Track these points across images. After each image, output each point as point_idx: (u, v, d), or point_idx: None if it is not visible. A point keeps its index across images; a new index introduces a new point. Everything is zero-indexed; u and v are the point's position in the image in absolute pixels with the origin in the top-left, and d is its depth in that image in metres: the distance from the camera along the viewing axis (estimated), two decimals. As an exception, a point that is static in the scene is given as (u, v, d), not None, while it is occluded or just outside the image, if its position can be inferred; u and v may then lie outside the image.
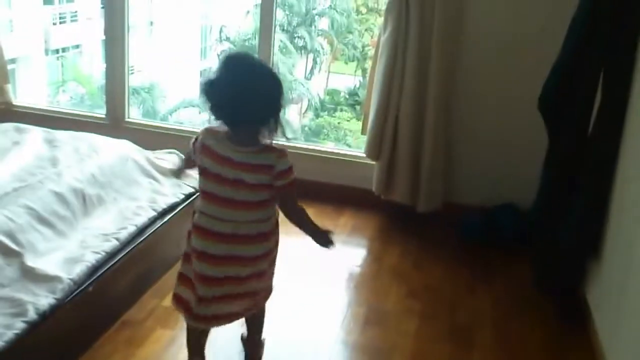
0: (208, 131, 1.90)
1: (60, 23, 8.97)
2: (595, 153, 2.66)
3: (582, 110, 2.69)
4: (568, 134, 2.76)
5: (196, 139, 1.92)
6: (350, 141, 9.83)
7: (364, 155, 3.50)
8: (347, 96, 10.97)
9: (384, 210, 3.54)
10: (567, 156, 2.77)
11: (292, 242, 3.21)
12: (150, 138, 3.26)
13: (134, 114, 4.06)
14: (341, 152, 3.82)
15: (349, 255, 3.21)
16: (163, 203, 2.54)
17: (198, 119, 9.10)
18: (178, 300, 1.99)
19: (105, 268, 2.15)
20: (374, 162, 3.45)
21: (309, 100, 10.33)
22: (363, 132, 3.54)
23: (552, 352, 2.51)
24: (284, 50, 8.77)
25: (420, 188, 3.36)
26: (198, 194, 2.00)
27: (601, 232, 2.63)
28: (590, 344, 2.51)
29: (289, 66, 9.40)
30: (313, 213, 3.44)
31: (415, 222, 3.45)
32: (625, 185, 2.45)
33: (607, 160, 2.62)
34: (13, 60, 7.99)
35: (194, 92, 9.89)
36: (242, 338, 2.30)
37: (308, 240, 3.20)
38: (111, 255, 2.20)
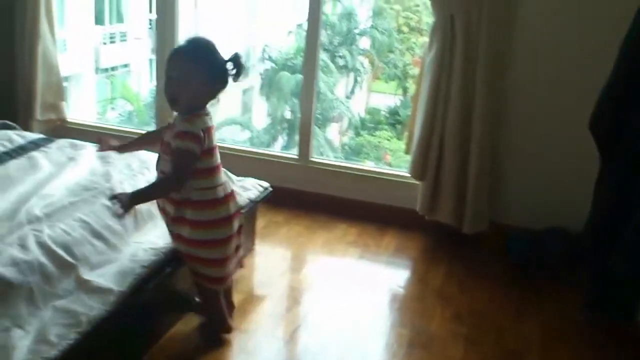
0: (196, 116, 2.12)
1: (110, 43, 9.22)
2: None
3: (637, 132, 2.63)
4: (622, 157, 2.69)
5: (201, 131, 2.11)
6: (390, 160, 9.82)
7: (408, 174, 3.49)
8: (388, 115, 10.97)
9: (429, 230, 3.52)
10: (620, 179, 2.71)
11: (335, 263, 3.23)
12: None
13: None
14: (384, 171, 3.82)
15: (393, 276, 3.19)
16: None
17: (240, 136, 9.22)
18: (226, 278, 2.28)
19: (155, 281, 2.18)
20: (418, 182, 3.43)
21: (349, 119, 10.36)
22: (407, 151, 3.53)
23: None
24: (325, 69, 8.82)
25: (465, 209, 3.32)
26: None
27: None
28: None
29: (329, 85, 9.45)
30: (355, 232, 3.52)
31: (461, 244, 3.42)
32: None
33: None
34: (66, 79, 8.23)
35: (236, 110, 10.03)
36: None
37: (351, 260, 3.23)
38: (160, 269, 2.23)
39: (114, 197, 2.08)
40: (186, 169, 2.10)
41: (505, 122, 3.34)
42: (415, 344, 2.56)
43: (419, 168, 3.35)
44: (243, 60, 2.18)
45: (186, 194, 2.14)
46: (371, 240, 3.46)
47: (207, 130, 2.14)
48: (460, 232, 3.36)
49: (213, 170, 2.19)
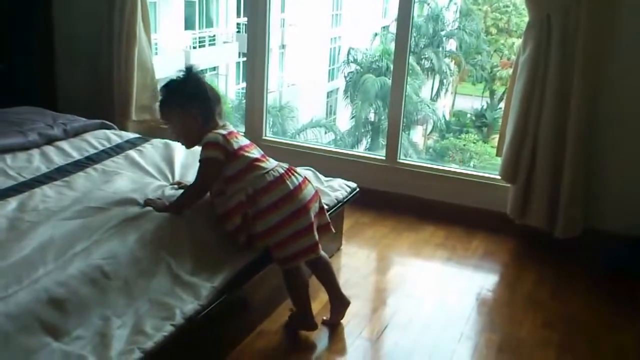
0: (209, 131, 2.29)
1: (200, 46, 9.50)
2: None
3: None
4: None
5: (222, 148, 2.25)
6: (476, 163, 9.63)
7: (498, 177, 3.41)
8: (474, 118, 10.76)
9: (519, 234, 3.43)
10: None
11: (422, 265, 3.19)
12: (284, 155, 3.35)
13: (268, 132, 4.19)
14: (473, 173, 3.74)
15: (481, 279, 3.11)
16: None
17: (324, 138, 9.28)
18: (307, 251, 2.31)
19: (248, 277, 2.23)
20: (508, 185, 3.35)
21: (434, 122, 10.23)
22: (498, 153, 3.45)
23: None
24: (411, 71, 8.74)
25: (558, 213, 3.21)
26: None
27: None
28: None
29: (415, 88, 9.38)
30: (443, 235, 3.46)
31: (553, 249, 3.30)
32: None
33: None
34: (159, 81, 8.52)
35: (321, 112, 10.10)
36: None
37: (438, 263, 3.18)
38: (253, 265, 2.27)
39: (148, 204, 2.31)
40: (209, 176, 2.28)
41: (603, 124, 3.21)
42: (504, 349, 2.50)
43: (511, 170, 3.27)
44: (195, 70, 2.37)
45: (236, 199, 2.24)
46: (459, 243, 3.40)
47: (227, 135, 2.28)
48: (552, 236, 3.25)
49: (252, 165, 2.27)
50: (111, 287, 1.88)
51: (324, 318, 2.54)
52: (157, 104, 2.42)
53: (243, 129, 4.11)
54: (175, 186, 2.54)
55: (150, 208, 2.28)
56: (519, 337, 2.59)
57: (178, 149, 2.99)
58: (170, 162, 2.84)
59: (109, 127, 3.31)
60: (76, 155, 2.86)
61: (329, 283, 2.52)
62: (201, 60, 9.54)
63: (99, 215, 2.21)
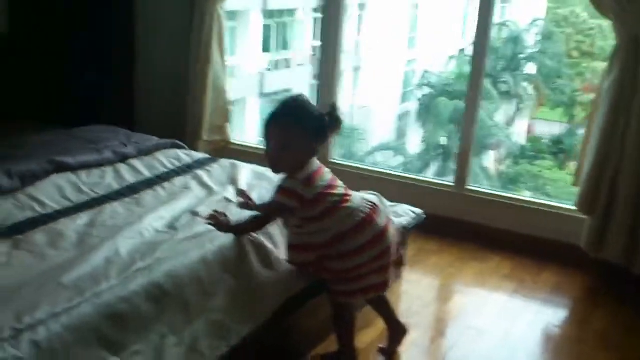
0: (298, 171, 2.13)
1: (275, 69, 9.67)
2: None
3: None
4: None
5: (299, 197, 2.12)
6: (550, 191, 9.34)
7: (572, 207, 3.28)
8: (551, 144, 10.46)
9: (593, 269, 3.28)
10: None
11: (487, 296, 3.10)
12: (350, 178, 3.34)
13: (335, 154, 4.19)
14: (546, 202, 3.61)
15: (549, 314, 2.99)
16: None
17: (393, 161, 9.22)
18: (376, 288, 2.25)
19: (310, 297, 2.23)
20: (584, 217, 3.21)
21: (507, 147, 9.99)
22: (576, 183, 3.31)
23: None
24: (487, 95, 8.59)
25: (638, 248, 3.05)
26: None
27: None
28: None
29: (489, 111, 9.20)
30: (510, 265, 3.36)
31: (630, 286, 3.13)
32: None
33: None
34: (231, 102, 8.74)
35: (390, 135, 10.04)
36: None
37: (504, 295, 3.08)
38: (312, 288, 2.25)
39: (212, 217, 2.30)
40: (276, 217, 2.24)
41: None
42: (573, 390, 2.39)
43: (588, 201, 3.14)
44: (339, 112, 2.18)
45: (317, 238, 2.16)
46: (527, 275, 3.29)
47: (310, 179, 2.13)
48: (630, 273, 3.09)
49: (337, 207, 2.14)
50: (170, 305, 1.91)
51: (380, 346, 2.50)
52: (275, 113, 2.15)
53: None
54: (240, 199, 2.42)
55: (213, 228, 2.29)
56: (589, 379, 2.47)
57: (244, 169, 3.04)
58: (235, 182, 2.88)
59: (180, 147, 3.39)
60: (147, 174, 2.94)
61: (386, 312, 2.47)
62: (276, 82, 9.70)
63: (163, 232, 2.27)
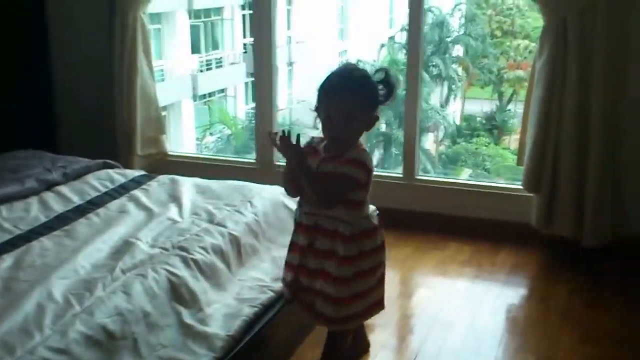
0: (362, 147, 2.00)
1: (207, 69, 9.47)
2: None
3: None
4: None
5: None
6: (489, 166, 9.56)
7: (521, 187, 3.28)
8: (484, 121, 10.73)
9: (546, 245, 3.28)
10: None
11: (449, 285, 3.06)
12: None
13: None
14: (495, 185, 3.62)
15: (511, 296, 2.99)
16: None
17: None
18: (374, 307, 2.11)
19: (263, 322, 2.09)
20: (532, 195, 3.22)
21: (445, 128, 10.16)
22: (519, 163, 3.32)
23: None
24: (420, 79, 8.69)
25: (585, 220, 3.08)
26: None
27: None
28: None
29: (424, 95, 9.31)
30: (469, 251, 3.33)
31: (583, 258, 3.15)
32: None
33: None
34: (164, 108, 8.52)
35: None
36: None
37: (466, 282, 3.05)
38: (268, 307, 2.14)
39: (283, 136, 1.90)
40: (345, 192, 1.95)
41: (627, 125, 3.09)
42: (542, 372, 2.36)
43: (534, 180, 3.16)
44: (392, 77, 2.00)
45: (356, 227, 1.97)
46: (485, 258, 3.27)
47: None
48: (581, 245, 3.11)
49: (360, 203, 2.02)
50: (118, 348, 1.75)
51: None
52: (341, 82, 1.96)
53: (254, 156, 4.00)
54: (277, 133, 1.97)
55: (157, 254, 2.13)
56: (556, 356, 2.45)
57: (186, 184, 2.87)
58: (177, 200, 2.70)
59: (112, 166, 3.18)
60: (77, 200, 2.71)
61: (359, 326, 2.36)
62: (209, 83, 9.52)
63: (101, 266, 2.10)
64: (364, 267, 1.99)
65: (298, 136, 1.90)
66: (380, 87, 1.97)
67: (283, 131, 1.91)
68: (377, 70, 2.01)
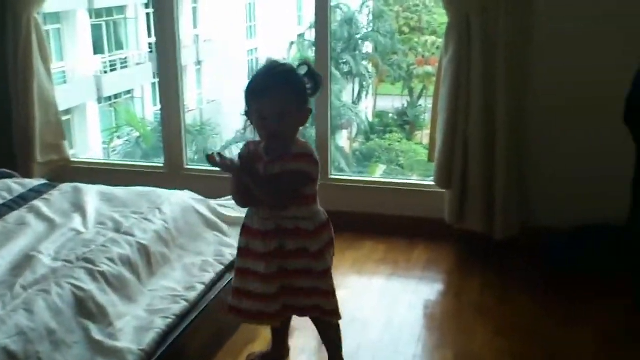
0: (303, 142, 2.00)
1: (112, 70, 9.15)
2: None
3: None
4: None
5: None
6: (402, 162, 9.74)
7: (433, 183, 3.32)
8: (396, 117, 10.92)
9: (460, 240, 3.34)
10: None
11: (366, 283, 3.06)
12: (211, 184, 3.16)
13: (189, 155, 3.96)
14: (409, 182, 3.66)
15: (427, 292, 3.02)
16: (230, 255, 2.40)
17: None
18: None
19: (177, 333, 2.01)
20: (444, 190, 3.26)
21: (358, 125, 10.26)
22: (430, 159, 3.36)
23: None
24: (330, 77, 8.73)
25: (495, 214, 3.15)
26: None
27: None
28: None
29: (336, 92, 9.37)
30: (384, 249, 3.34)
31: (495, 251, 3.22)
32: None
33: None
34: (68, 111, 8.19)
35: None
36: None
37: (382, 279, 3.06)
38: (181, 318, 2.06)
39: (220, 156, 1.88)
40: (297, 191, 1.96)
41: (531, 120, 3.18)
42: (460, 368, 2.38)
43: (445, 176, 3.20)
44: (314, 68, 2.01)
45: (317, 221, 2.02)
46: (401, 255, 3.29)
47: None
48: (492, 239, 3.18)
49: (314, 197, 2.04)
50: (20, 370, 1.63)
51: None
52: (270, 79, 1.94)
53: (162, 160, 3.87)
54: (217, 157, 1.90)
55: (60, 267, 2.01)
56: (472, 351, 2.49)
57: (90, 192, 2.72)
58: (81, 209, 2.56)
59: (9, 176, 2.98)
60: (-30, 215, 2.53)
61: (285, 329, 2.36)
62: (114, 84, 9.22)
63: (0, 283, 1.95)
64: (328, 258, 2.05)
65: (219, 154, 1.88)
66: (306, 80, 1.96)
67: (216, 153, 1.88)
68: (299, 65, 2.00)
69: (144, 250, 2.25)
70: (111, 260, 2.13)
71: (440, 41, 3.21)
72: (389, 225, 3.47)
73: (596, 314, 2.71)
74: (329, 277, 2.04)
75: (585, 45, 3.05)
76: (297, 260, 2.00)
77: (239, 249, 2.08)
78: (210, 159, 1.87)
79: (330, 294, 2.05)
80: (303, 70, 1.97)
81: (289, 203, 1.95)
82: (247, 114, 1.96)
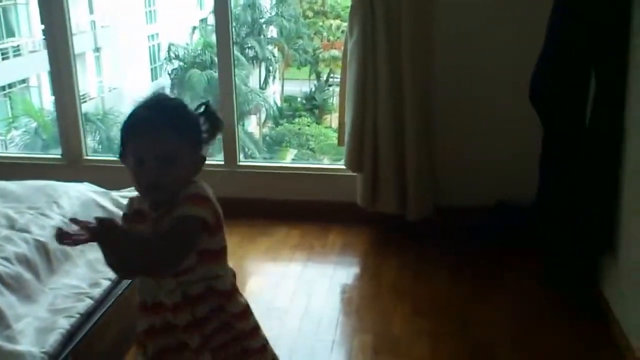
0: (194, 183, 1.52)
1: (4, 59, 8.64)
2: (596, 144, 2.53)
3: (576, 99, 2.57)
4: (563, 124, 2.63)
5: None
6: (313, 145, 9.77)
7: (344, 167, 3.29)
8: (305, 101, 10.93)
9: (374, 223, 3.34)
10: (565, 147, 2.65)
11: (282, 270, 3.00)
12: (113, 175, 2.99)
13: (89, 144, 3.77)
14: (320, 166, 3.64)
15: (344, 276, 3.00)
16: (137, 248, 2.27)
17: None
18: None
19: (83, 332, 1.88)
20: (355, 174, 3.24)
21: (266, 110, 10.20)
22: (340, 143, 3.33)
23: (579, 350, 2.37)
24: (236, 62, 8.60)
25: (407, 195, 3.18)
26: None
27: (614, 225, 2.49)
28: (615, 339, 2.38)
29: (242, 78, 9.26)
30: (298, 234, 3.29)
31: (409, 232, 3.25)
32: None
33: (609, 151, 2.48)
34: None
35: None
36: None
37: (298, 265, 3.02)
38: (87, 316, 1.93)
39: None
40: (191, 241, 1.43)
41: (439, 101, 3.19)
42: (380, 350, 2.39)
43: (355, 159, 3.18)
44: (215, 110, 1.55)
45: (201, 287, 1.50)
46: (315, 240, 3.26)
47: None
48: (406, 220, 3.20)
49: (223, 251, 1.58)
50: None
51: None
52: (153, 115, 1.46)
53: (60, 152, 3.65)
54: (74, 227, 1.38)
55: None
56: (391, 332, 2.50)
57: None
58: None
59: None
60: None
61: None
62: (7, 73, 8.72)
63: None
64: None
65: (73, 220, 1.37)
66: (202, 120, 1.53)
67: (70, 220, 1.40)
68: (197, 106, 1.56)
69: (42, 247, 2.09)
70: (6, 259, 1.96)
71: (345, 25, 3.18)
72: (302, 210, 3.43)
73: (508, 289, 2.78)
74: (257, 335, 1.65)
75: (490, 15, 3.07)
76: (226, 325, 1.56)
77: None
78: (60, 238, 1.34)
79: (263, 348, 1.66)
80: (200, 111, 1.54)
81: (179, 262, 1.43)
82: (122, 156, 1.49)
